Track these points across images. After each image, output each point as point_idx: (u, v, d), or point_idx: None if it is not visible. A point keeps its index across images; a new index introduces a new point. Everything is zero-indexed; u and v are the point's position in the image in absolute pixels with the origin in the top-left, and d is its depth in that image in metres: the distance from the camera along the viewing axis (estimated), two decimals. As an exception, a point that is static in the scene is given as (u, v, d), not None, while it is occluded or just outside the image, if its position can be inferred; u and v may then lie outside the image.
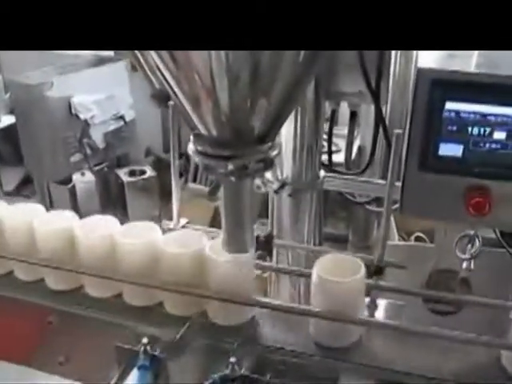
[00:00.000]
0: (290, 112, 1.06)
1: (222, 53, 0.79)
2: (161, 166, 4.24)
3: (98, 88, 3.41)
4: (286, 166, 1.50)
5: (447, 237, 1.84)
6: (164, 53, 0.85)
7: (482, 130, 1.10)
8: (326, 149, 1.63)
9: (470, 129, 1.10)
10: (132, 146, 3.90)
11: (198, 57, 0.82)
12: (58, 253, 1.14)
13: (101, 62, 3.57)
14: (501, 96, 1.06)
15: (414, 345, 1.15)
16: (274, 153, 0.94)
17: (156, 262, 1.09)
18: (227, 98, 0.87)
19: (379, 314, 1.19)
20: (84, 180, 3.72)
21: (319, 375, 1.03)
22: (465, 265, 1.78)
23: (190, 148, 0.93)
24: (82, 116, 3.33)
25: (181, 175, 4.37)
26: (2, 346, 1.31)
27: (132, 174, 3.86)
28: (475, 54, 1.14)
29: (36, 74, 3.26)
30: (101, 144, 3.55)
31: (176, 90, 0.88)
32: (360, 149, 2.38)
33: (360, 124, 1.90)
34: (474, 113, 1.09)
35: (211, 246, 1.10)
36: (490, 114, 1.08)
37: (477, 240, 1.76)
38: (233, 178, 0.89)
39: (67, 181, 3.68)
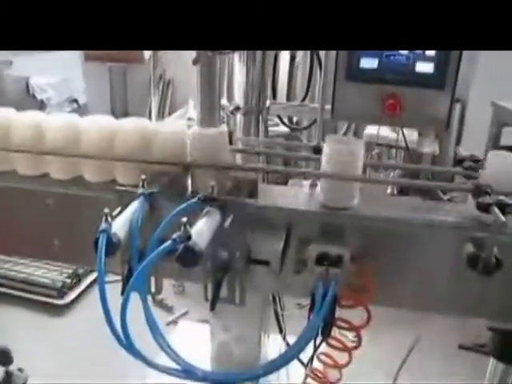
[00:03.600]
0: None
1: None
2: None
3: (53, 71, 3.60)
4: (239, 96, 1.82)
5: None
6: None
7: (391, 46, 1.37)
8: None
9: (382, 45, 1.37)
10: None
11: None
12: (61, 144, 1.38)
13: (54, 47, 3.76)
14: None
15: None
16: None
17: (147, 143, 1.33)
18: None
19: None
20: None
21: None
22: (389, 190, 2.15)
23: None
24: (38, 96, 3.51)
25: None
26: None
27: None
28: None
29: (-7, 53, 3.40)
30: (56, 124, 3.73)
31: None
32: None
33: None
34: (385, 33, 1.38)
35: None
36: (397, 33, 1.38)
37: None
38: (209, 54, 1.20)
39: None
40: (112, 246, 1.00)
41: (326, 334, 1.28)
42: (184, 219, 0.97)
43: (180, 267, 0.98)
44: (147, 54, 4.28)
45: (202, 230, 1.04)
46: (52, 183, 1.44)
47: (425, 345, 3.07)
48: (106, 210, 1.00)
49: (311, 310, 1.29)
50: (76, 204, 1.44)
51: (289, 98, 1.93)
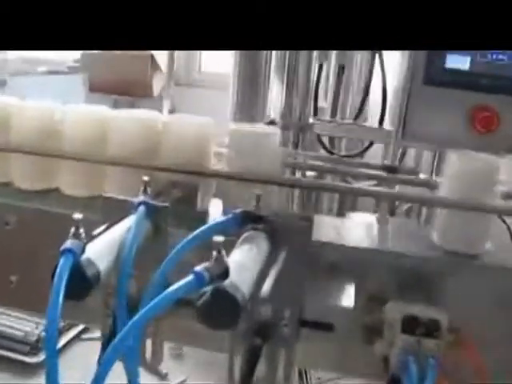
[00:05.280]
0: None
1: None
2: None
3: (51, 96, 3.23)
4: (275, 108, 1.44)
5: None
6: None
7: (490, 40, 1.10)
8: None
9: (478, 40, 1.09)
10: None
11: None
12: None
13: (57, 72, 3.42)
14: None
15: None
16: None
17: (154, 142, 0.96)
18: None
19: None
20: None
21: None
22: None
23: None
24: (31, 122, 3.14)
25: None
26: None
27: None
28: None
29: (-12, 70, 3.07)
30: (51, 155, 3.37)
31: None
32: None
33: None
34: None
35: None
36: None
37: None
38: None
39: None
40: (83, 282, 0.55)
41: None
42: (219, 238, 0.52)
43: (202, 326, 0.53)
44: (157, 88, 4.00)
45: (242, 266, 0.59)
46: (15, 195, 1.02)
47: None
48: (77, 216, 0.56)
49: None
50: (43, 224, 1.00)
51: (334, 114, 1.55)
